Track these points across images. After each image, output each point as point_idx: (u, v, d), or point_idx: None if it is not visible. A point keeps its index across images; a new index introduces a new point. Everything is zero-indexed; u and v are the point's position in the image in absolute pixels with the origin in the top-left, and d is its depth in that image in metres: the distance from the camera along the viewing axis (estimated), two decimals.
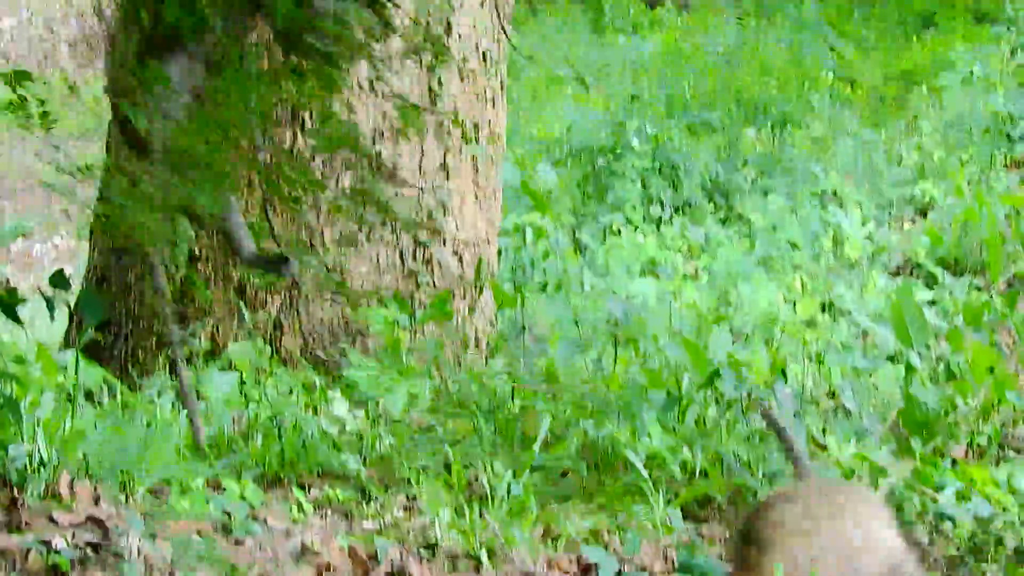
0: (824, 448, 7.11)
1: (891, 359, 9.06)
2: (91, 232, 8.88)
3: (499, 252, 9.63)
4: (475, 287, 8.66)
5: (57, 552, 5.28)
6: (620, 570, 5.71)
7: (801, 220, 13.06)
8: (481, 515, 6.20)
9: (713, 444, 6.94)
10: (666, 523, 6.26)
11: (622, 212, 13.73)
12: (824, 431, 7.32)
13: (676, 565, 5.33)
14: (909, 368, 7.28)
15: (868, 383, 8.10)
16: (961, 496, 6.11)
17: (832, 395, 7.92)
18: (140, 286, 8.14)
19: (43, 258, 15.12)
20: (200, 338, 8.03)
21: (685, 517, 6.51)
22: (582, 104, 16.64)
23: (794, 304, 10.69)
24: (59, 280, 5.00)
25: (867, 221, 13.19)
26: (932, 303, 10.79)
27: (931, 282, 11.60)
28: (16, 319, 5.08)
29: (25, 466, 5.99)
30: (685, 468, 6.88)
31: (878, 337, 8.99)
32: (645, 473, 6.58)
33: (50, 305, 4.89)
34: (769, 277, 11.67)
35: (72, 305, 5.73)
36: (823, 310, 10.80)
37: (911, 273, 12.17)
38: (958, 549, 5.88)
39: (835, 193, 13.94)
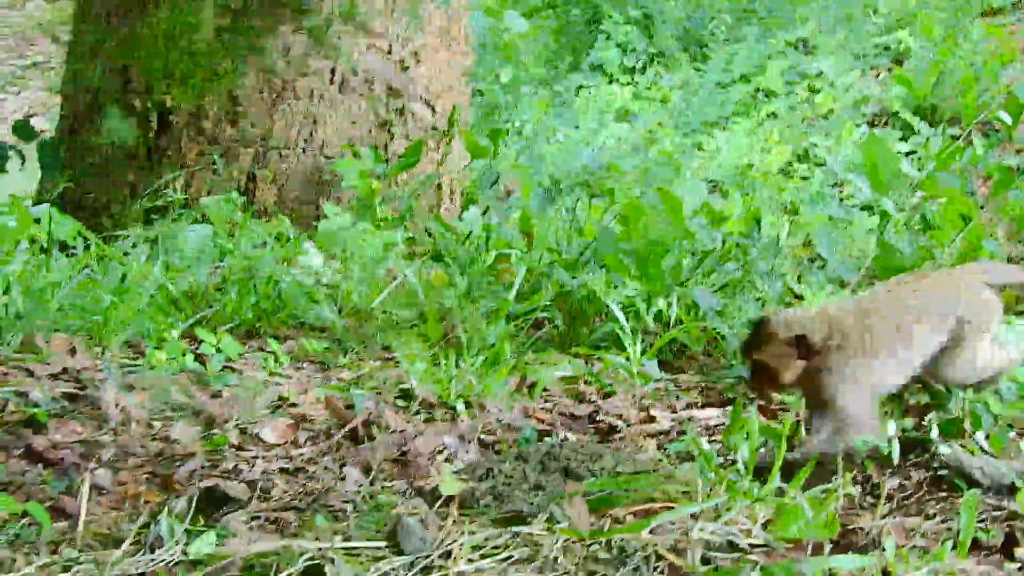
0: (799, 297, 7.13)
1: (866, 208, 9.06)
2: (63, 84, 8.81)
3: (471, 101, 9.57)
4: (447, 137, 8.61)
5: (35, 404, 5.28)
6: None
7: (776, 69, 12.99)
8: (457, 365, 6.21)
9: (688, 293, 6.95)
10: (642, 372, 6.28)
11: (596, 62, 13.65)
12: (799, 280, 7.33)
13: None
14: (884, 216, 7.25)
15: (843, 232, 8.10)
16: None
17: (807, 244, 7.92)
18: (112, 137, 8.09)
19: (16, 111, 15.01)
20: (174, 190, 8.00)
21: (661, 367, 6.53)
22: None
23: (769, 153, 10.68)
24: (23, 130, 4.93)
25: (843, 70, 13.13)
26: (908, 154, 10.77)
27: (907, 132, 11.56)
28: None
29: (0, 318, 5.98)
30: (660, 318, 6.89)
31: (853, 186, 8.97)
32: (624, 320, 6.59)
33: (2, 155, 4.82)
34: (743, 126, 11.64)
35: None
36: (798, 160, 10.79)
37: (886, 123, 12.13)
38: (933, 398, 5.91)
39: (810, 42, 13.86)
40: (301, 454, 5.38)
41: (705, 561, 3.32)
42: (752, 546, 3.40)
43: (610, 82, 13.18)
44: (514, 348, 6.52)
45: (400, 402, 5.99)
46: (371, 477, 5.13)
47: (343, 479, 5.14)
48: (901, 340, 4.66)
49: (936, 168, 7.95)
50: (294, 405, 5.88)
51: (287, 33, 7.97)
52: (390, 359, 6.59)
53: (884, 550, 3.46)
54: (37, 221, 7.15)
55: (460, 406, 5.70)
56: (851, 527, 3.78)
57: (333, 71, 8.14)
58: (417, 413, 5.89)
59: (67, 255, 7.28)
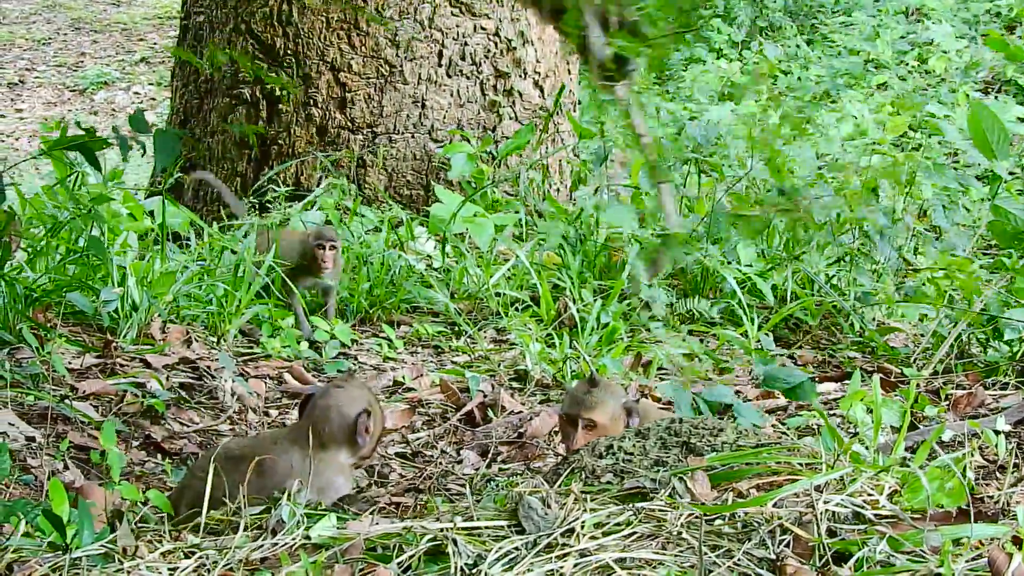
0: (915, 269, 7.03)
1: (983, 178, 8.92)
2: (172, 77, 8.88)
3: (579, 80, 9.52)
4: (554, 117, 8.57)
5: (152, 395, 5.32)
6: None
7: (887, 39, 12.85)
8: (571, 345, 6.18)
9: (803, 267, 6.88)
10: (758, 348, 6.23)
11: (704, 37, 13.56)
12: (915, 250, 7.23)
13: (761, 377, 5.30)
14: (995, 179, 7.11)
15: (958, 201, 7.98)
16: None
17: (924, 214, 7.81)
18: (223, 128, 8.14)
19: (127, 106, 15.16)
20: (285, 179, 8.02)
21: (777, 342, 6.47)
22: None
23: (883, 124, 10.55)
24: (138, 122, 4.94)
25: (954, 37, 12.96)
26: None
27: (1022, 97, 11.40)
28: (94, 162, 5.05)
29: (117, 310, 6.02)
30: (775, 292, 6.83)
31: (968, 155, 8.83)
32: (740, 295, 6.53)
33: (123, 145, 4.83)
34: (855, 97, 11.51)
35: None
36: (911, 129, 10.65)
37: (999, 89, 11.97)
38: None
39: (921, 9, 13.69)
40: (418, 438, 5.39)
41: (831, 533, 3.27)
42: (879, 517, 3.34)
43: (718, 57, 13.10)
44: (628, 327, 6.49)
45: (515, 384, 5.98)
46: (488, 460, 5.12)
47: (460, 462, 5.13)
48: None
49: None
50: (410, 389, 5.89)
51: (394, 17, 7.98)
52: (504, 341, 6.58)
53: (1015, 518, 3.38)
54: (151, 213, 7.20)
55: None
56: (978, 496, 3.71)
57: (440, 54, 8.13)
58: (533, 394, 5.88)
59: (180, 246, 7.33)
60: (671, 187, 5.51)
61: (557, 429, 4.97)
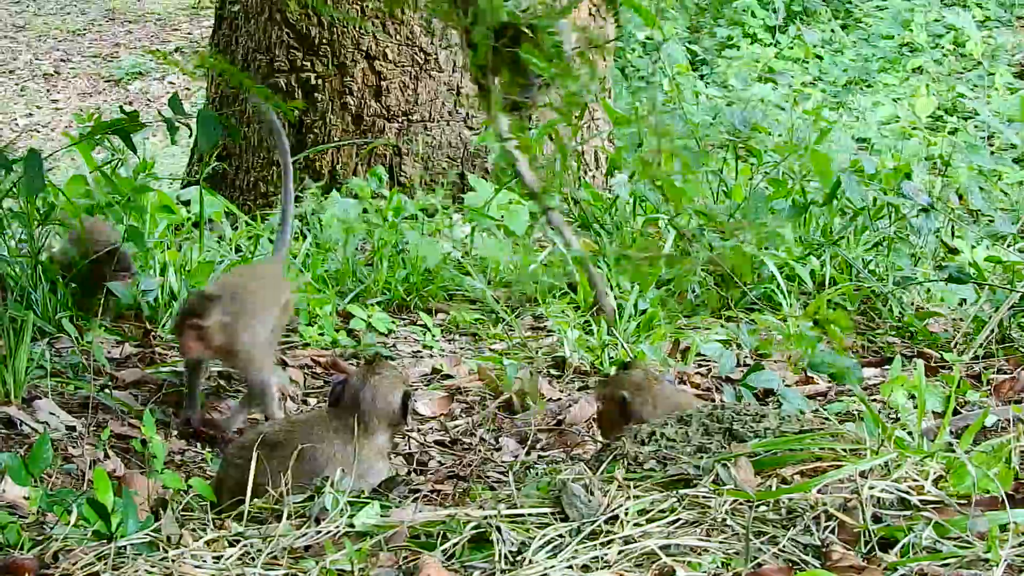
0: (955, 252, 7.00)
1: (1020, 161, 8.88)
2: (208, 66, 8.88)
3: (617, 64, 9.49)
4: (590, 103, 8.53)
5: None
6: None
7: (922, 22, 12.79)
8: (609, 332, 6.17)
9: (841, 252, 6.85)
10: (797, 334, 6.20)
11: (739, 23, 13.52)
12: (953, 234, 7.20)
13: (807, 362, 5.28)
14: None
15: (997, 185, 7.94)
16: None
17: (960, 198, 7.78)
18: (259, 116, 8.14)
19: (161, 96, 15.18)
20: (320, 167, 8.02)
21: (816, 326, 6.45)
22: None
23: (915, 108, 10.50)
24: (176, 104, 4.96)
25: (989, 21, 12.90)
26: None
27: None
28: (132, 146, 5.07)
29: (156, 299, 6.03)
30: (814, 277, 6.80)
31: (1004, 138, 8.78)
32: (781, 279, 6.51)
33: (171, 127, 4.85)
34: (889, 81, 11.47)
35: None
36: (948, 113, 10.60)
37: None
38: None
39: None
40: (456, 426, 5.39)
41: (876, 519, 3.26)
42: (924, 503, 3.33)
43: (752, 42, 13.05)
44: (666, 313, 6.47)
45: (553, 371, 5.98)
46: (527, 447, 5.12)
47: (499, 450, 5.13)
48: None
49: None
50: (448, 377, 5.88)
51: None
52: (542, 328, 6.56)
53: None
54: (187, 203, 7.21)
55: (613, 373, 5.65)
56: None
57: None
58: (571, 382, 5.87)
59: (220, 238, 7.33)
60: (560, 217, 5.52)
61: (595, 417, 4.98)
